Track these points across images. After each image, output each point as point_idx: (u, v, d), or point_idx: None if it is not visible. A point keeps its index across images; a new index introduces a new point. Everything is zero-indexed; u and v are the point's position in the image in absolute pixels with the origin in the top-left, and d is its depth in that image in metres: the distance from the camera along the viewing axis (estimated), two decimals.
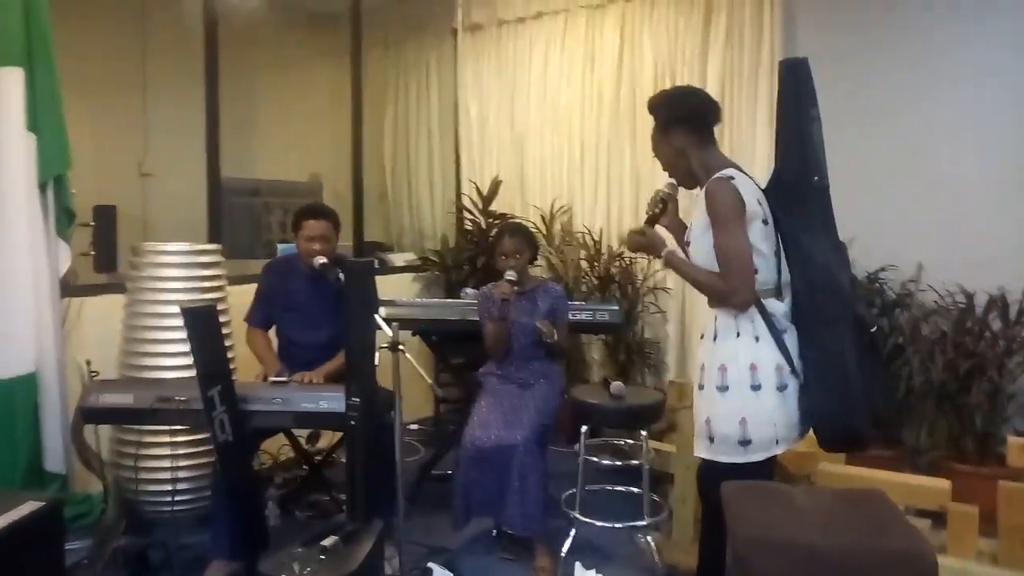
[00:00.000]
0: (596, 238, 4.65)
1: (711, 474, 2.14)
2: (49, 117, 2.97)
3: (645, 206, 2.44)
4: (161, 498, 3.02)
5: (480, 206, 4.86)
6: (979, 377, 3.40)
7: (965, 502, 2.56)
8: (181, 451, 2.94)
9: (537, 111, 5.03)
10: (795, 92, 2.14)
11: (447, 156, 5.52)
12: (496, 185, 4.89)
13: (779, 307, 2.11)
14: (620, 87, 4.66)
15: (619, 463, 3.26)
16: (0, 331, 2.83)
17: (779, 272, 2.13)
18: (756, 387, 2.05)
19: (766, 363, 2.06)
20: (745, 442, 2.05)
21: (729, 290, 2.07)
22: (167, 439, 2.93)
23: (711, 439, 2.12)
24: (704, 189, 2.13)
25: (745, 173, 2.16)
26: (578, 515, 2.97)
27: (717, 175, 2.11)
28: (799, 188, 2.12)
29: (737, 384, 2.07)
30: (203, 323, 2.47)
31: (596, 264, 4.59)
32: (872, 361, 2.07)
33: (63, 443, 2.97)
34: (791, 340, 2.09)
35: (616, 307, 3.84)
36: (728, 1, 4.21)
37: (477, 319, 3.35)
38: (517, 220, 4.62)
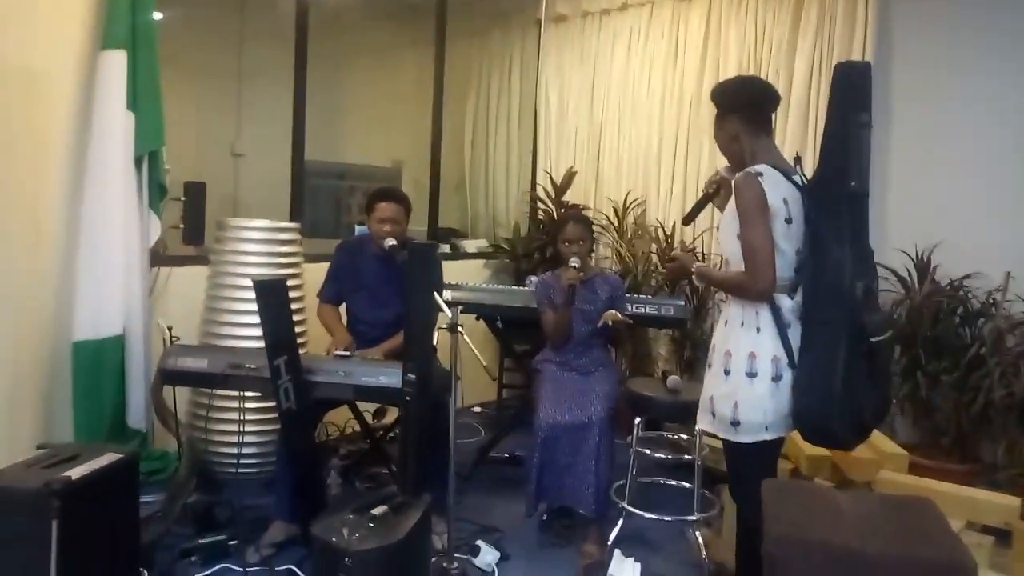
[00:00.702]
0: (668, 232, 4.60)
1: (726, 450, 2.32)
2: (148, 97, 3.16)
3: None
4: (229, 459, 3.20)
5: (553, 196, 4.88)
6: None
7: None
8: (249, 416, 3.10)
9: (617, 103, 5.01)
10: (845, 96, 2.14)
11: (525, 146, 5.57)
12: (570, 176, 4.91)
13: (787, 302, 2.19)
14: (703, 81, 4.59)
15: (672, 457, 3.23)
16: (93, 295, 3.04)
17: (796, 271, 2.19)
18: (751, 374, 2.17)
19: (763, 353, 2.16)
20: (736, 423, 2.19)
21: (750, 282, 2.15)
22: (236, 404, 3.09)
23: (713, 415, 2.28)
24: (734, 182, 2.21)
25: (779, 168, 2.19)
26: (627, 505, 2.97)
27: (747, 170, 2.19)
28: (834, 191, 2.13)
29: (736, 369, 2.20)
30: (273, 295, 2.60)
31: (667, 258, 4.55)
32: (868, 369, 2.08)
33: (145, 402, 3.17)
34: (795, 335, 2.17)
35: (682, 302, 3.82)
36: None
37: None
38: (578, 209, 4.64)
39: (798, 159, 2.34)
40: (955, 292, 3.59)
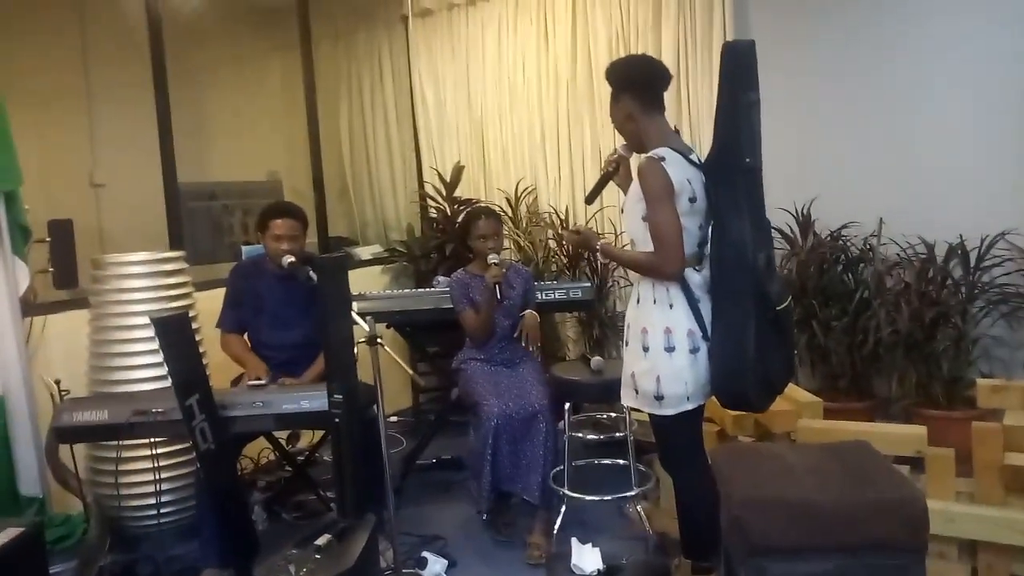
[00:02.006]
0: (563, 216, 4.65)
1: (652, 424, 2.41)
2: None
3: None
4: (145, 512, 2.97)
5: (444, 193, 4.82)
6: (944, 324, 3.49)
7: (938, 446, 2.64)
8: (162, 463, 2.89)
9: (494, 93, 5.00)
10: (733, 76, 2.23)
11: (406, 145, 5.47)
12: (459, 170, 4.86)
13: (696, 277, 2.27)
14: (576, 63, 4.65)
15: (603, 437, 3.28)
16: None
17: (699, 245, 2.28)
18: (670, 349, 2.24)
19: (679, 328, 2.24)
20: (659, 397, 2.27)
21: (660, 263, 2.23)
22: (147, 452, 2.87)
23: (636, 391, 2.35)
24: (637, 166, 2.27)
25: (677, 150, 2.27)
26: (567, 491, 2.99)
27: (649, 155, 2.24)
28: (729, 168, 2.23)
29: (654, 345, 2.27)
30: (175, 332, 2.42)
31: (565, 243, 4.60)
32: (774, 336, 2.20)
33: (37, 465, 2.89)
34: (706, 309, 2.26)
35: (588, 284, 3.87)
36: None
37: (450, 307, 3.34)
38: (483, 204, 4.62)
39: (677, 130, 2.46)
40: (835, 242, 3.82)
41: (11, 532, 2.16)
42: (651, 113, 2.33)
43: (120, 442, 2.67)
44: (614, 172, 2.53)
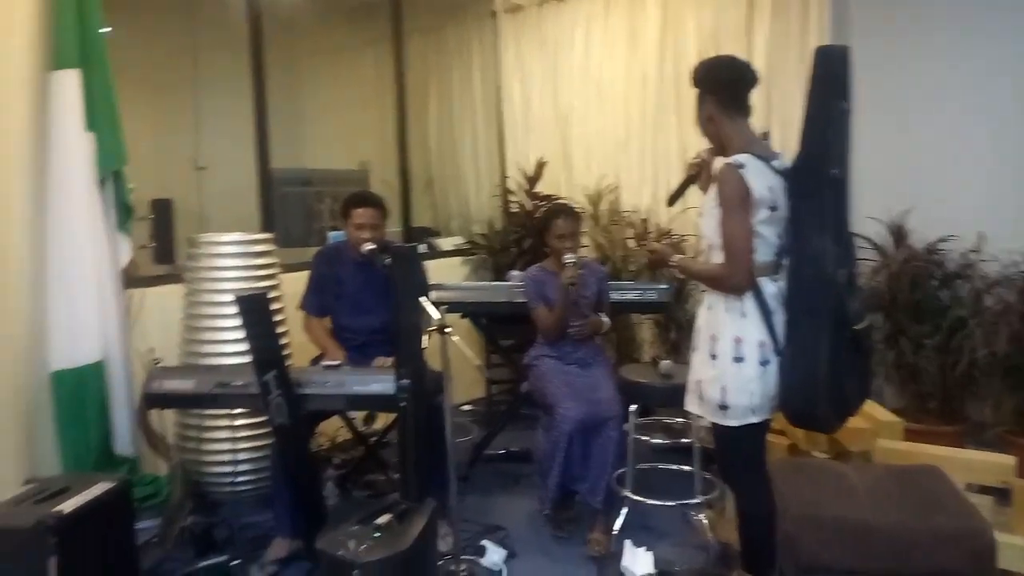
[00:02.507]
0: (644, 217, 4.60)
1: (714, 433, 2.33)
2: (105, 116, 3.06)
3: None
4: (223, 479, 3.13)
5: (526, 188, 4.85)
6: None
7: None
8: (241, 434, 3.04)
9: (581, 90, 4.99)
10: (824, 82, 2.13)
11: (491, 139, 5.53)
12: (541, 166, 4.88)
13: (771, 288, 2.20)
14: (664, 63, 4.59)
15: (669, 442, 3.24)
16: (68, 322, 2.95)
17: (777, 255, 2.21)
18: (739, 359, 2.17)
19: (749, 338, 2.17)
20: (724, 407, 2.20)
21: (727, 274, 2.17)
22: (227, 423, 3.03)
23: (700, 397, 2.30)
24: (716, 171, 2.20)
25: (759, 156, 2.17)
26: (630, 493, 2.97)
27: (728, 161, 2.16)
28: (814, 178, 2.13)
29: (723, 354, 2.20)
30: (256, 309, 2.53)
31: (644, 243, 4.55)
32: (850, 356, 2.11)
33: (131, 428, 3.09)
34: (779, 320, 2.18)
35: (665, 286, 3.82)
36: None
37: (524, 301, 3.36)
38: (564, 201, 4.62)
39: (766, 135, 2.37)
40: (931, 256, 3.64)
41: (104, 486, 2.34)
42: (733, 116, 2.25)
43: (203, 411, 2.81)
44: (696, 176, 2.47)
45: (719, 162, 2.23)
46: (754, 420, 2.20)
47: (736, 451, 2.26)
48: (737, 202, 2.11)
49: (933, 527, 1.48)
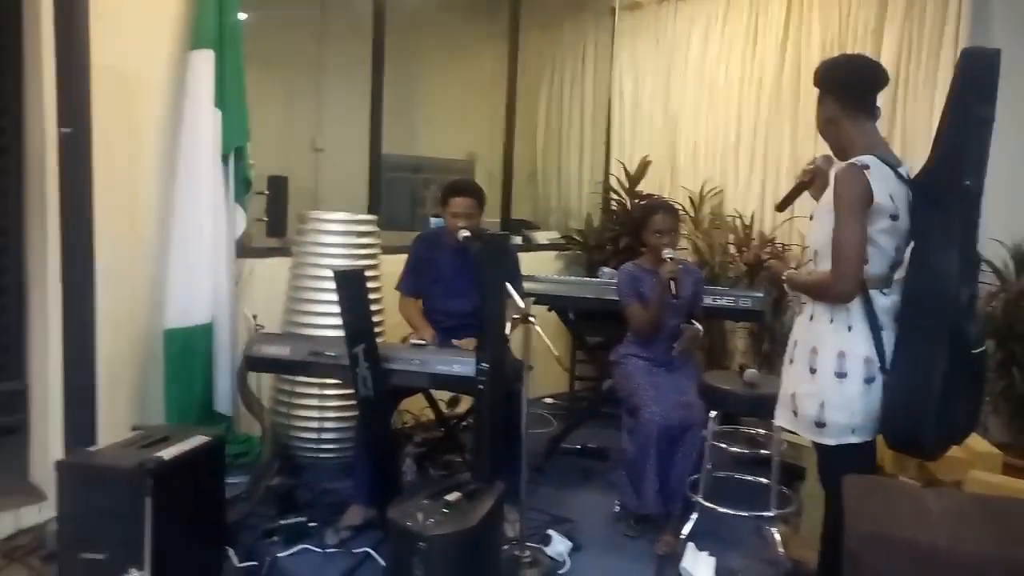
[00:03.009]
0: (747, 222, 4.49)
1: (818, 454, 2.21)
2: (233, 95, 3.27)
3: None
4: (310, 444, 3.30)
5: (627, 186, 4.83)
6: None
7: None
8: (329, 403, 3.19)
9: (693, 91, 4.91)
10: (966, 87, 1.99)
11: (598, 136, 5.53)
12: (644, 165, 4.85)
13: (883, 301, 2.07)
14: (784, 67, 4.45)
15: (749, 452, 3.17)
16: (184, 285, 3.18)
17: (891, 268, 2.07)
18: (841, 375, 2.05)
19: (854, 353, 2.04)
20: (820, 424, 2.09)
21: (832, 282, 2.04)
22: (317, 391, 3.19)
23: (795, 412, 2.18)
24: (835, 172, 2.07)
25: (884, 160, 2.05)
26: (702, 499, 2.93)
27: (852, 160, 2.03)
28: (945, 188, 1.99)
29: (824, 368, 2.08)
30: (351, 285, 2.67)
31: (745, 249, 4.45)
32: (965, 381, 1.98)
33: (231, 388, 3.30)
34: (889, 336, 2.04)
35: (760, 295, 3.72)
36: None
37: (614, 298, 3.36)
38: (656, 198, 4.57)
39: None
40: None
41: (200, 439, 2.49)
42: (857, 118, 2.11)
43: (295, 377, 2.97)
44: (809, 183, 2.34)
45: (839, 165, 2.11)
46: (854, 440, 2.07)
47: (835, 470, 2.09)
48: (856, 205, 1.98)
49: (1009, 559, 1.41)
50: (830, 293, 2.06)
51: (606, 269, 3.90)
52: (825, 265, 2.09)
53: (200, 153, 3.20)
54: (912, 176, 2.11)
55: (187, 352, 3.19)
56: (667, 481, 2.94)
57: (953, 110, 2.01)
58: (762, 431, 3.32)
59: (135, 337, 3.19)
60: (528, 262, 4.49)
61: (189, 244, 3.19)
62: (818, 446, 2.16)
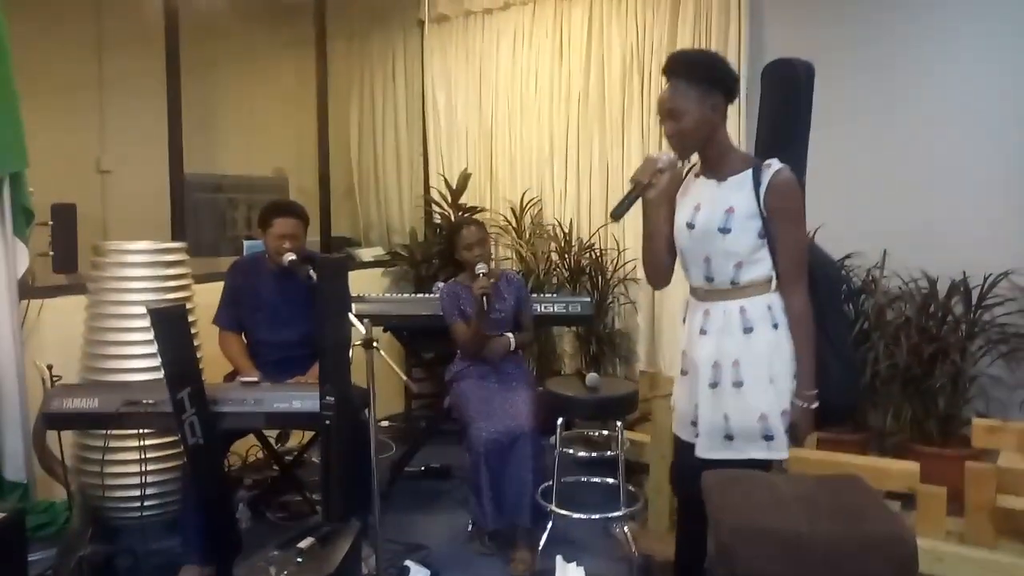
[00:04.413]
0: (566, 230, 4.65)
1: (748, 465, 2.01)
2: (4, 113, 2.85)
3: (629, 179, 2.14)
4: (129, 503, 2.94)
5: (449, 199, 4.82)
6: (942, 361, 3.47)
7: (931, 483, 2.62)
8: (149, 455, 2.87)
9: (505, 103, 5.00)
10: (796, 97, 2.18)
11: (415, 149, 5.47)
12: (465, 178, 4.87)
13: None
14: (589, 78, 4.65)
15: (594, 454, 3.26)
16: None
17: None
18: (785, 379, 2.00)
19: (788, 359, 2.01)
20: (769, 437, 1.99)
21: (801, 291, 1.99)
22: (134, 443, 2.85)
23: (769, 437, 1.99)
24: (775, 178, 1.97)
25: None
26: (555, 507, 2.96)
27: (784, 166, 1.99)
28: None
29: (783, 375, 1.99)
30: (171, 324, 2.40)
31: (567, 256, 4.60)
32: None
33: (24, 451, 2.87)
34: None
35: (587, 299, 3.86)
36: None
37: None
38: (472, 212, 4.62)
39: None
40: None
41: None
42: (724, 124, 2.08)
43: (108, 431, 2.64)
44: (649, 185, 2.04)
45: (779, 170, 1.99)
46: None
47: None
48: (803, 210, 2.02)
49: (861, 535, 1.54)
50: (802, 300, 1.99)
51: (440, 284, 3.84)
52: (749, 273, 2.00)
53: None
54: None
55: None
56: (505, 495, 2.91)
57: (791, 118, 2.20)
58: (604, 432, 3.44)
59: None
60: (354, 281, 4.33)
61: None
62: (764, 463, 2.00)
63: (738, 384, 2.00)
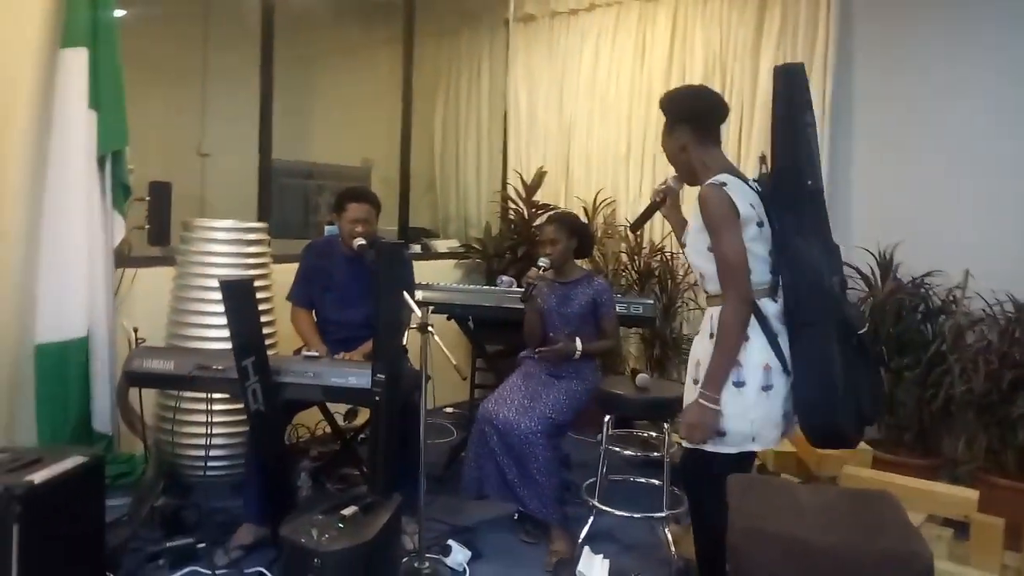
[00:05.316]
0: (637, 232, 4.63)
1: (690, 462, 2.26)
2: (110, 95, 3.10)
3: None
4: (197, 462, 3.16)
5: (524, 196, 4.90)
6: (1023, 390, 3.29)
7: (999, 515, 2.50)
8: (217, 419, 3.07)
9: (586, 103, 5.04)
10: (788, 98, 2.19)
11: (495, 146, 5.58)
12: (540, 175, 4.93)
13: (773, 308, 2.16)
14: (670, 81, 4.62)
15: (642, 454, 3.26)
16: (56, 296, 2.99)
17: (773, 273, 2.18)
18: (739, 384, 2.11)
19: (753, 362, 2.11)
20: (721, 433, 2.13)
21: (734, 298, 2.10)
22: (204, 406, 3.05)
23: (720, 433, 2.14)
24: (698, 195, 2.18)
25: (740, 176, 2.20)
26: (597, 503, 2.99)
27: (710, 181, 2.15)
28: (792, 192, 2.17)
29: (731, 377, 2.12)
30: (239, 296, 2.58)
31: (636, 258, 4.59)
32: (860, 363, 2.10)
33: (110, 405, 3.12)
34: (785, 340, 2.14)
35: (651, 301, 3.85)
36: None
37: (513, 306, 3.40)
38: (565, 211, 4.65)
39: (763, 158, 2.32)
40: (917, 290, 3.66)
41: (77, 459, 2.34)
42: (707, 145, 2.24)
43: (180, 392, 2.84)
44: (661, 203, 2.45)
45: (700, 188, 2.20)
46: (754, 448, 2.15)
47: (717, 474, 2.08)
48: (725, 221, 2.09)
49: (875, 549, 1.51)
50: (742, 310, 2.10)
51: (504, 278, 3.93)
52: (711, 285, 2.18)
53: (73, 156, 3.02)
54: (763, 187, 2.26)
55: (61, 368, 3.00)
56: (528, 493, 2.94)
57: (781, 121, 2.20)
58: (654, 433, 3.43)
59: (2, 352, 2.95)
60: (428, 270, 4.49)
61: (61, 254, 3.00)
62: (709, 453, 2.16)
63: (696, 382, 2.19)
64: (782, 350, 2.12)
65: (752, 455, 2.24)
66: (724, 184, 2.12)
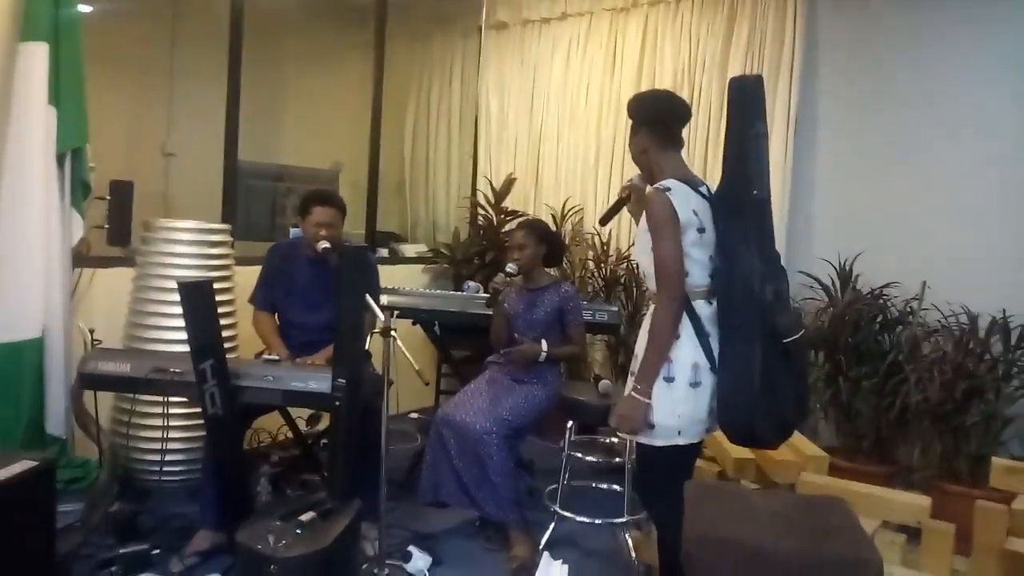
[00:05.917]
0: (604, 239, 4.67)
1: (638, 463, 2.37)
2: (70, 92, 3.03)
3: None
4: (154, 467, 3.11)
5: (493, 202, 4.90)
6: (977, 399, 3.37)
7: (951, 521, 2.56)
8: (174, 423, 3.02)
9: (556, 111, 5.07)
10: (740, 109, 2.25)
11: (465, 151, 5.59)
12: (510, 182, 4.94)
13: (706, 310, 2.24)
14: (640, 90, 4.66)
15: (604, 460, 3.28)
16: (11, 296, 2.91)
17: (711, 277, 2.26)
18: (669, 379, 2.20)
19: (682, 359, 2.20)
20: (651, 425, 2.22)
21: (665, 299, 2.19)
22: (160, 410, 3.00)
23: (651, 426, 2.25)
24: (645, 198, 2.28)
25: (686, 182, 2.26)
26: (559, 509, 2.99)
27: (655, 186, 2.25)
28: (738, 200, 2.23)
29: (665, 373, 2.21)
30: (198, 297, 2.54)
31: (603, 265, 4.62)
32: (784, 369, 2.18)
33: (64, 408, 3.05)
34: (716, 341, 2.23)
35: (615, 308, 3.88)
36: (751, 8, 4.23)
37: (479, 312, 3.40)
38: (535, 218, 4.66)
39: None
40: (875, 300, 3.74)
41: (26, 464, 2.29)
42: (666, 149, 2.32)
43: (136, 395, 2.79)
44: (627, 199, 2.54)
45: (647, 191, 2.31)
46: (680, 442, 2.22)
47: (658, 472, 2.27)
48: (664, 224, 2.17)
49: (825, 555, 1.53)
50: (673, 310, 2.18)
51: (471, 283, 3.92)
52: (654, 284, 2.24)
53: (31, 153, 2.94)
54: (712, 193, 2.33)
55: (14, 369, 2.92)
56: (485, 496, 2.95)
57: (733, 131, 2.28)
58: (616, 439, 3.45)
59: None
60: (395, 275, 4.48)
61: (17, 252, 2.92)
62: (643, 448, 2.27)
63: (633, 374, 2.28)
64: (712, 350, 2.21)
65: (694, 455, 2.34)
66: (668, 189, 2.20)
